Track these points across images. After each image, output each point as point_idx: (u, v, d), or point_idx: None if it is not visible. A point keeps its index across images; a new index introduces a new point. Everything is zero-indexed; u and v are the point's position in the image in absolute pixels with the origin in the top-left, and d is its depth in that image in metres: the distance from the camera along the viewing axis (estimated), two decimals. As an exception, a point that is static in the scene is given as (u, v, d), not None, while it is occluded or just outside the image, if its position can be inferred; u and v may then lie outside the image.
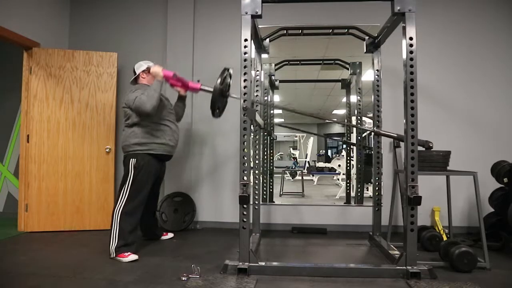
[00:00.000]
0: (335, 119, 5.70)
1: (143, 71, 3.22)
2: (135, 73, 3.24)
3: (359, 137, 4.33)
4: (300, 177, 6.19)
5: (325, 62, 4.33)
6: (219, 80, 2.79)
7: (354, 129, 4.50)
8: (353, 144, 4.46)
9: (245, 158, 2.57)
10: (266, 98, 4.14)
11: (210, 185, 4.12)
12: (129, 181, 3.01)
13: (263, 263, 2.60)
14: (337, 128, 6.85)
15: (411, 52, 2.52)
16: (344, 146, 5.49)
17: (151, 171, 3.09)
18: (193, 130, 4.13)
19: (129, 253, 2.86)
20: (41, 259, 2.88)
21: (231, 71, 2.95)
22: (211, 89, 2.86)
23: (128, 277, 2.48)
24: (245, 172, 2.57)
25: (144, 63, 3.23)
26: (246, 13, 2.60)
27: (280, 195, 5.16)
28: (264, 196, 4.12)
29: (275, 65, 4.30)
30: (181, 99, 3.45)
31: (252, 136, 3.06)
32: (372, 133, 3.66)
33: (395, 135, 2.86)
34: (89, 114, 3.92)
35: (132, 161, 3.02)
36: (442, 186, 3.24)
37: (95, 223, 3.88)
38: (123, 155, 3.12)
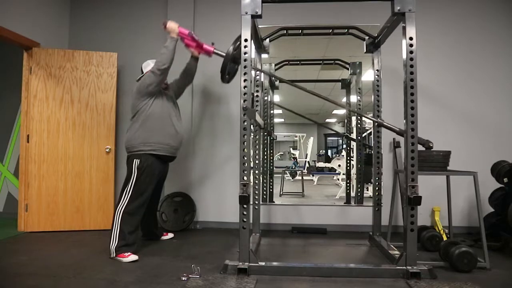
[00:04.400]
0: (334, 121, 5.69)
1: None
2: (142, 72, 3.25)
3: (359, 137, 4.33)
4: (300, 177, 6.19)
5: (325, 62, 4.33)
6: (232, 46, 2.82)
7: (354, 129, 4.50)
8: (353, 139, 4.44)
9: (245, 158, 2.57)
10: (266, 98, 4.14)
11: (210, 185, 4.12)
12: (132, 182, 3.00)
13: (263, 263, 2.60)
14: (337, 128, 6.84)
15: (411, 52, 2.52)
16: (344, 146, 5.48)
17: (154, 172, 3.09)
18: (193, 130, 4.13)
19: (129, 253, 2.86)
20: (41, 259, 2.88)
21: None
22: (224, 54, 2.89)
23: (128, 277, 2.48)
24: (245, 172, 2.56)
25: (151, 61, 3.22)
26: (246, 13, 2.60)
27: (280, 195, 5.16)
28: (264, 196, 4.12)
29: (275, 65, 4.30)
30: (194, 59, 3.43)
31: (252, 136, 3.07)
32: (372, 133, 3.66)
33: (397, 129, 2.85)
34: (89, 114, 3.92)
35: (136, 162, 3.02)
36: (442, 186, 3.24)
37: (95, 223, 3.88)
38: (127, 155, 3.12)
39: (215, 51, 3.17)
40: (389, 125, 2.91)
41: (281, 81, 3.25)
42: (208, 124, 4.17)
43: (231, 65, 2.89)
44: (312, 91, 3.11)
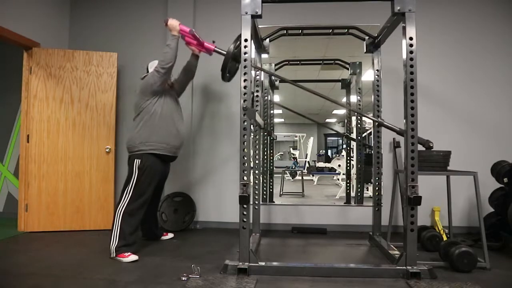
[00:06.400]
0: (334, 121, 5.69)
1: None
2: (148, 71, 3.25)
3: (359, 137, 4.33)
4: (300, 177, 6.18)
5: (325, 62, 4.33)
6: (233, 45, 2.82)
7: (354, 129, 4.50)
8: (353, 139, 4.43)
9: (245, 158, 2.57)
10: (266, 98, 4.14)
11: (210, 185, 4.12)
12: (132, 182, 3.01)
13: (263, 263, 2.60)
14: (337, 128, 6.83)
15: (411, 52, 2.52)
16: (344, 146, 5.48)
17: (155, 172, 3.10)
18: (193, 129, 4.13)
19: (129, 253, 2.86)
20: (41, 259, 2.88)
21: None
22: (225, 52, 2.88)
23: (128, 277, 2.49)
24: (245, 172, 2.57)
25: (158, 61, 3.22)
26: (246, 13, 2.60)
27: (280, 195, 5.15)
28: (264, 196, 4.12)
29: (275, 65, 4.30)
30: (195, 57, 3.42)
31: (252, 136, 3.07)
32: (372, 133, 3.66)
33: (398, 129, 2.85)
34: (89, 114, 3.92)
35: (137, 162, 3.02)
36: (442, 186, 3.24)
37: (95, 223, 3.88)
38: (128, 155, 3.13)
39: (216, 49, 3.17)
40: (389, 125, 2.91)
41: (282, 80, 3.24)
42: (209, 123, 4.17)
43: (231, 63, 2.89)
44: (312, 90, 3.11)
